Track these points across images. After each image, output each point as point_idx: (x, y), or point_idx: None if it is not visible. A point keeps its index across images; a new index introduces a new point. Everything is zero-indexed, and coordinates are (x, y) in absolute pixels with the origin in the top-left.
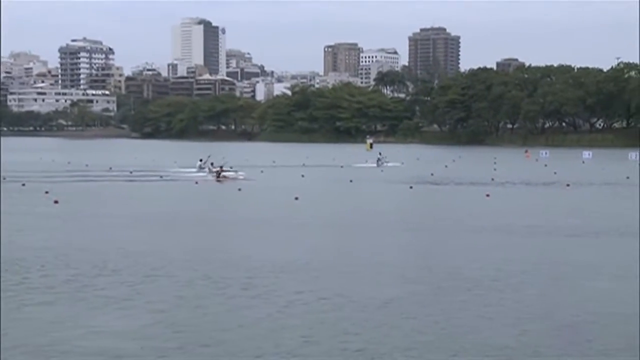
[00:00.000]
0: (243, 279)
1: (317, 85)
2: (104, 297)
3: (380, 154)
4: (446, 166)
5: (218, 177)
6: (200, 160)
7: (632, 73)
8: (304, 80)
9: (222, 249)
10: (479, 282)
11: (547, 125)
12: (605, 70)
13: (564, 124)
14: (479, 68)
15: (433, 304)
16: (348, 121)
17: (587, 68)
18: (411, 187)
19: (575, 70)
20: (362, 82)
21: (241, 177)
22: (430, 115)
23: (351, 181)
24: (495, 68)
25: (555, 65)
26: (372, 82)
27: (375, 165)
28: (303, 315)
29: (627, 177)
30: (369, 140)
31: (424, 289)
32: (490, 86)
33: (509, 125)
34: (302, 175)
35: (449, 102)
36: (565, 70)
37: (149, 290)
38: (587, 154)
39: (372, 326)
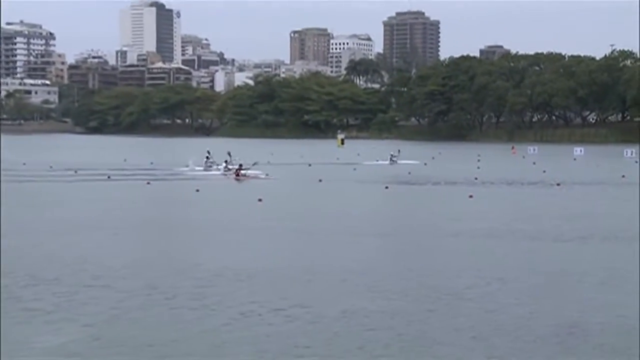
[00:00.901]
0: (192, 288)
1: (282, 75)
2: (31, 310)
3: (398, 151)
4: (425, 164)
5: (237, 175)
6: (227, 160)
7: (628, 62)
8: (268, 70)
9: (174, 255)
10: (450, 291)
11: (535, 118)
12: (598, 58)
13: (553, 117)
14: (461, 56)
15: (397, 314)
16: (317, 114)
17: (579, 56)
18: (387, 188)
19: (566, 58)
20: (332, 72)
21: (262, 176)
22: (407, 107)
23: (321, 181)
24: (478, 56)
25: (544, 53)
26: (344, 72)
27: (387, 162)
28: (252, 328)
29: (623, 176)
30: (340, 136)
31: (388, 298)
32: (474, 76)
33: (494, 119)
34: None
35: (428, 94)
36: (555, 58)
37: (83, 301)
38: (578, 150)
39: (327, 339)
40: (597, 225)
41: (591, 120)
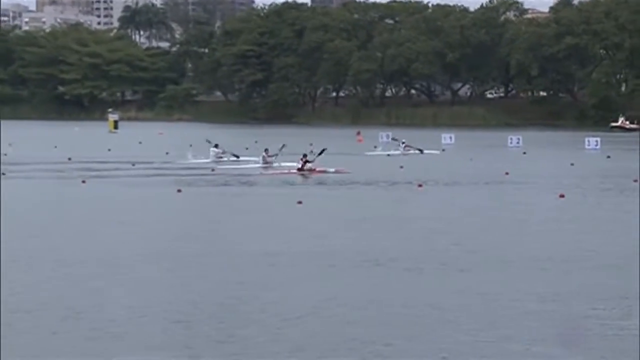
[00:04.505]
0: None
1: (25, 28)
2: None
3: (404, 142)
4: (237, 157)
5: (301, 169)
6: (266, 151)
7: (511, 14)
8: (5, 19)
9: None
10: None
11: (389, 92)
12: (472, 10)
13: (413, 91)
14: (285, 3)
15: None
16: (77, 85)
17: (447, 6)
18: (179, 191)
19: (430, 9)
20: (99, 24)
21: (332, 170)
22: (209, 76)
23: (84, 182)
24: (310, 3)
25: (400, 0)
26: (116, 24)
27: (400, 152)
28: None
29: (506, 173)
30: (113, 117)
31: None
32: (302, 32)
33: (332, 94)
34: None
35: (238, 57)
36: (414, 9)
37: None
38: (447, 137)
39: None
40: (464, 244)
41: (464, 95)
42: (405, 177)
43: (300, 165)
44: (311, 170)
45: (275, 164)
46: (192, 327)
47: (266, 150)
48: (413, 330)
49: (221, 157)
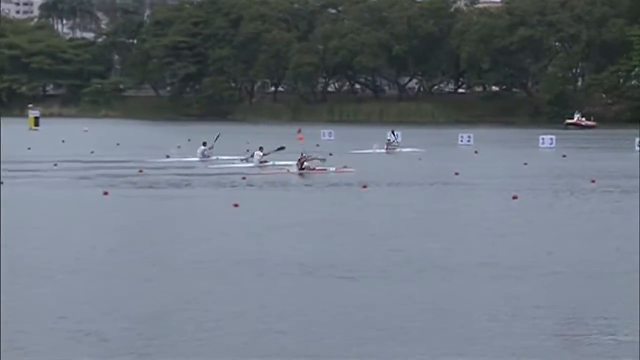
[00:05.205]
0: None
1: None
2: None
3: (393, 133)
4: (168, 156)
5: (301, 168)
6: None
7: (462, 4)
8: None
9: None
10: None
11: (331, 87)
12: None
13: (357, 86)
14: None
15: None
16: None
17: None
18: (106, 193)
19: None
20: (18, 12)
21: (332, 169)
22: (138, 70)
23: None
24: None
25: None
26: (37, 12)
27: (383, 150)
28: None
29: (456, 174)
30: (33, 113)
31: None
32: (239, 21)
33: (271, 88)
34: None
35: (169, 49)
36: None
37: None
38: (393, 135)
39: None
40: (406, 251)
41: (411, 90)
42: (347, 174)
43: (299, 166)
44: (310, 169)
45: (269, 163)
46: (109, 339)
47: (260, 148)
48: (341, 343)
49: (266, 162)
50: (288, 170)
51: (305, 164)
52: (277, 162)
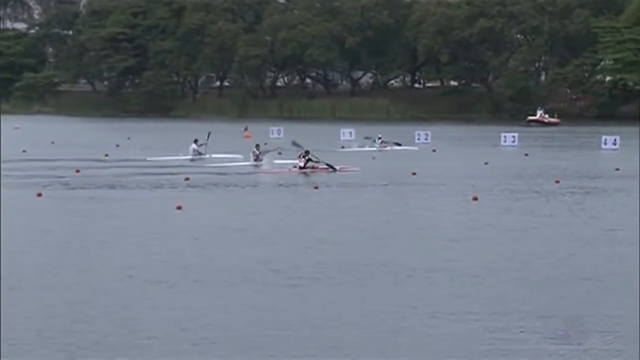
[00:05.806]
0: None
1: None
2: None
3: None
4: (106, 155)
5: (304, 167)
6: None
7: None
8: None
9: None
10: None
11: (280, 82)
12: None
13: (308, 80)
14: None
15: None
16: None
17: None
18: (39, 195)
19: None
20: None
21: (336, 168)
22: (73, 63)
23: None
24: None
25: None
26: None
27: (375, 149)
28: None
29: (413, 174)
30: None
31: None
32: (181, 12)
33: (216, 83)
34: None
35: (107, 40)
36: None
37: None
38: (347, 133)
39: None
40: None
41: (366, 85)
42: (294, 175)
43: (302, 164)
44: (314, 168)
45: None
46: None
47: (257, 146)
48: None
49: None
50: (290, 170)
51: (310, 162)
52: (277, 162)
